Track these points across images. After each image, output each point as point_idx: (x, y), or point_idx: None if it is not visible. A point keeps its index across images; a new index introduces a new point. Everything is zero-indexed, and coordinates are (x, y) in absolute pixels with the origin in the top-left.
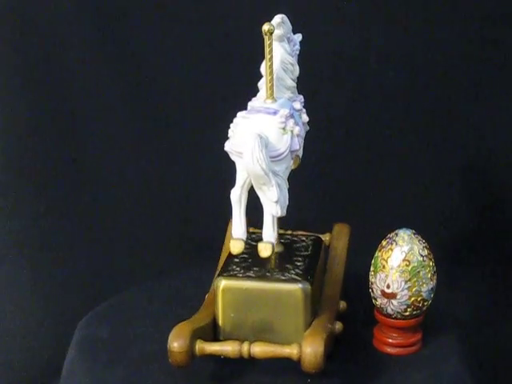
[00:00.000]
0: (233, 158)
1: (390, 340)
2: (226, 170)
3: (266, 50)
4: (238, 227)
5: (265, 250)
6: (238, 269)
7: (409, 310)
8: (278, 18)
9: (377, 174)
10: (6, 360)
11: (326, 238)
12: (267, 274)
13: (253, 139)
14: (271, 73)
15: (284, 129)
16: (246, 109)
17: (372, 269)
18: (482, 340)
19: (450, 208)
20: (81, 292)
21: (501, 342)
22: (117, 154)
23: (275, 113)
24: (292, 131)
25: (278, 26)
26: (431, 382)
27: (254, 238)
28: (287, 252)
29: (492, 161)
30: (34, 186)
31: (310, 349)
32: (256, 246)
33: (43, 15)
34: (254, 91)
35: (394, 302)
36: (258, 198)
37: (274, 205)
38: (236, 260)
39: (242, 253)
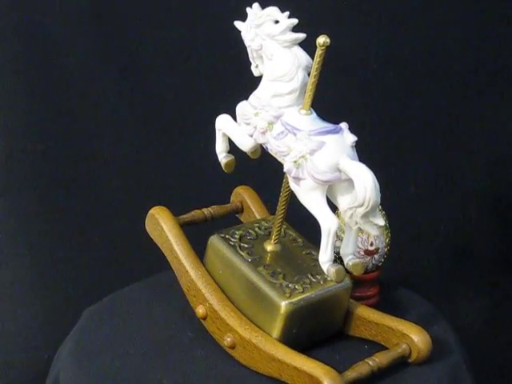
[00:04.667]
0: (308, 184)
1: (361, 294)
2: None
3: (316, 64)
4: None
5: (361, 267)
6: (289, 285)
7: (382, 259)
8: (293, 19)
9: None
10: (5, 360)
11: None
12: (314, 281)
13: (368, 171)
14: (315, 88)
15: (353, 147)
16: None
17: None
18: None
19: (449, 208)
20: (81, 292)
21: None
22: (117, 155)
23: (341, 130)
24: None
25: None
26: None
27: (249, 240)
28: (289, 248)
29: (493, 161)
30: (34, 186)
31: (423, 343)
32: (253, 247)
33: (43, 16)
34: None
35: (376, 256)
36: None
37: (375, 227)
38: (270, 273)
39: (267, 262)
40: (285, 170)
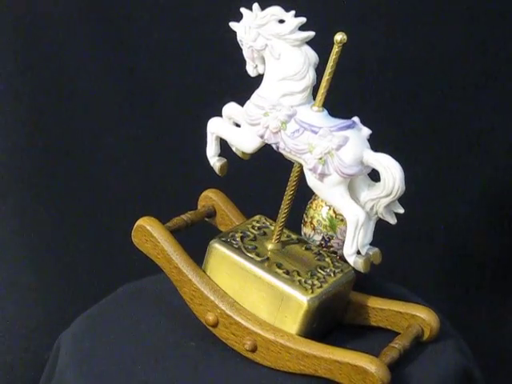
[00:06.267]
0: (334, 179)
1: None
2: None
3: (332, 61)
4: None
5: (380, 255)
6: (307, 281)
7: None
8: (302, 18)
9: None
10: (5, 360)
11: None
12: (325, 274)
13: (395, 162)
14: (329, 85)
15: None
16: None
17: (326, 230)
18: None
19: (449, 208)
20: (81, 292)
21: None
22: (118, 156)
23: (356, 124)
24: None
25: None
26: None
27: (248, 238)
28: (288, 246)
29: (493, 162)
30: (34, 186)
31: (434, 321)
32: (257, 248)
33: (43, 16)
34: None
35: None
36: None
37: (394, 216)
38: (284, 271)
39: (276, 261)
40: (309, 167)
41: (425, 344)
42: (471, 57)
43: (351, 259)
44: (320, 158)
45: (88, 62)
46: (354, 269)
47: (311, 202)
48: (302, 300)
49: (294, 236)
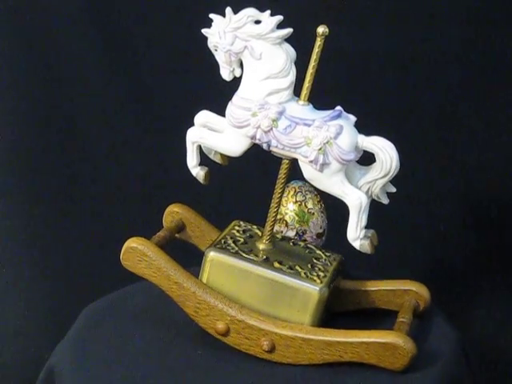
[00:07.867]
0: (333, 167)
1: None
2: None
3: (315, 54)
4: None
5: (376, 236)
6: (312, 273)
7: (323, 237)
8: (279, 16)
9: None
10: (5, 360)
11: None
12: (322, 264)
13: (390, 142)
14: (313, 78)
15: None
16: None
17: (298, 224)
18: None
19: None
20: (81, 292)
21: None
22: (117, 157)
23: (343, 113)
24: None
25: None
26: None
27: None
28: (277, 243)
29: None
30: (34, 187)
31: (425, 292)
32: (253, 250)
33: (43, 15)
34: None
35: (323, 237)
36: None
37: (387, 195)
38: (287, 267)
39: (276, 259)
40: (310, 159)
41: (419, 319)
42: (470, 56)
43: (357, 243)
44: (320, 149)
45: (91, 61)
46: (342, 256)
47: None
48: (313, 290)
49: (277, 234)
